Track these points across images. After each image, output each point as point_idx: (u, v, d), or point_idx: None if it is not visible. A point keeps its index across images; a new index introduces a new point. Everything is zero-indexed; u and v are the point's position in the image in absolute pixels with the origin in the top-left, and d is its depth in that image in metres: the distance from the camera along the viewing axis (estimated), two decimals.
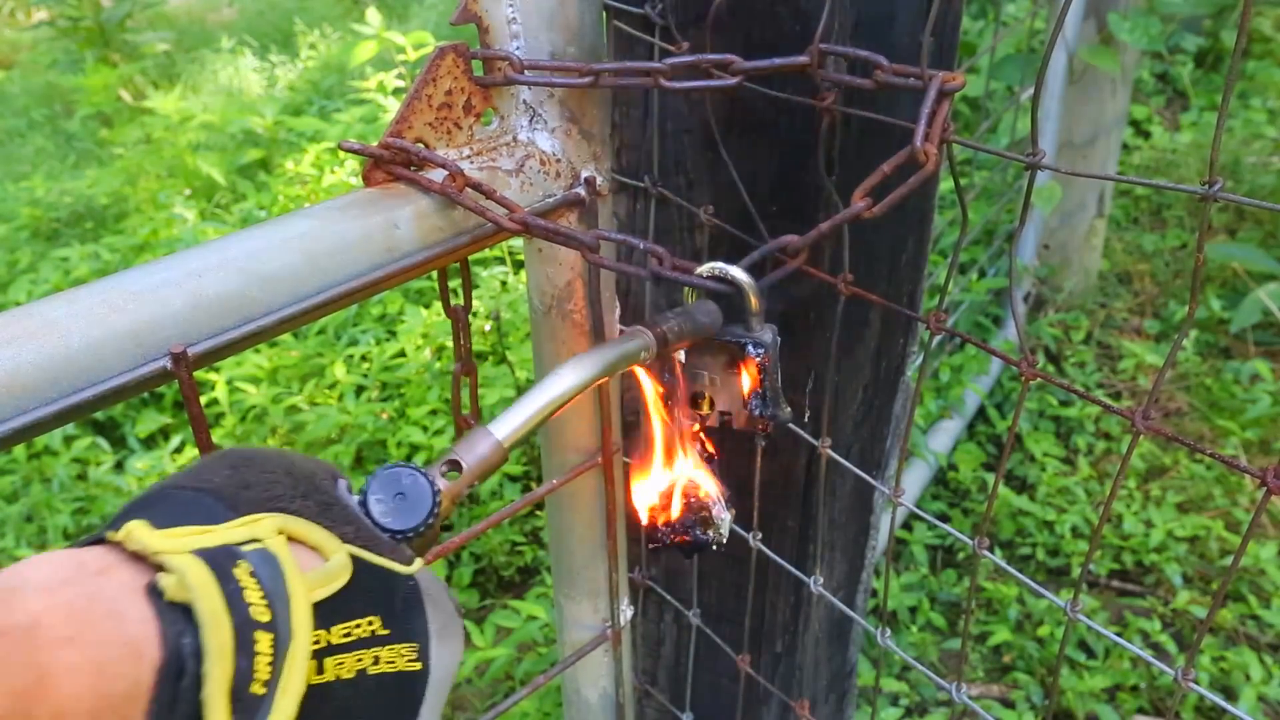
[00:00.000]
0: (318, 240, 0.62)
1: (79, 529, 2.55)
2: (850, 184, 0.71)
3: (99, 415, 2.81)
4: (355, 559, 0.46)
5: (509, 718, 1.90)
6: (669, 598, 1.22)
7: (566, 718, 1.17)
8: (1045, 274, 3.10)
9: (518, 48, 0.72)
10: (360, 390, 2.77)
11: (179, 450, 2.70)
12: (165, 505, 0.44)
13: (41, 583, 0.38)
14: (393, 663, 0.46)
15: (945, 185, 2.98)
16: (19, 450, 2.70)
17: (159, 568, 0.40)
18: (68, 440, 2.74)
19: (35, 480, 2.66)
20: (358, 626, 0.44)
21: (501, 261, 3.08)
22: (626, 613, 1.05)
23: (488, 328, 2.78)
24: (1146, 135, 3.84)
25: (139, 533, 0.41)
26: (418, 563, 0.50)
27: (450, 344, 2.80)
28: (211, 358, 0.58)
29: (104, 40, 5.33)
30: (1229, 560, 2.25)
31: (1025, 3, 3.43)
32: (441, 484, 0.55)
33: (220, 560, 0.41)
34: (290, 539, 0.44)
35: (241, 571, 0.41)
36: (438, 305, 2.97)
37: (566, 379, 0.63)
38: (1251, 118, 3.69)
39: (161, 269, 0.58)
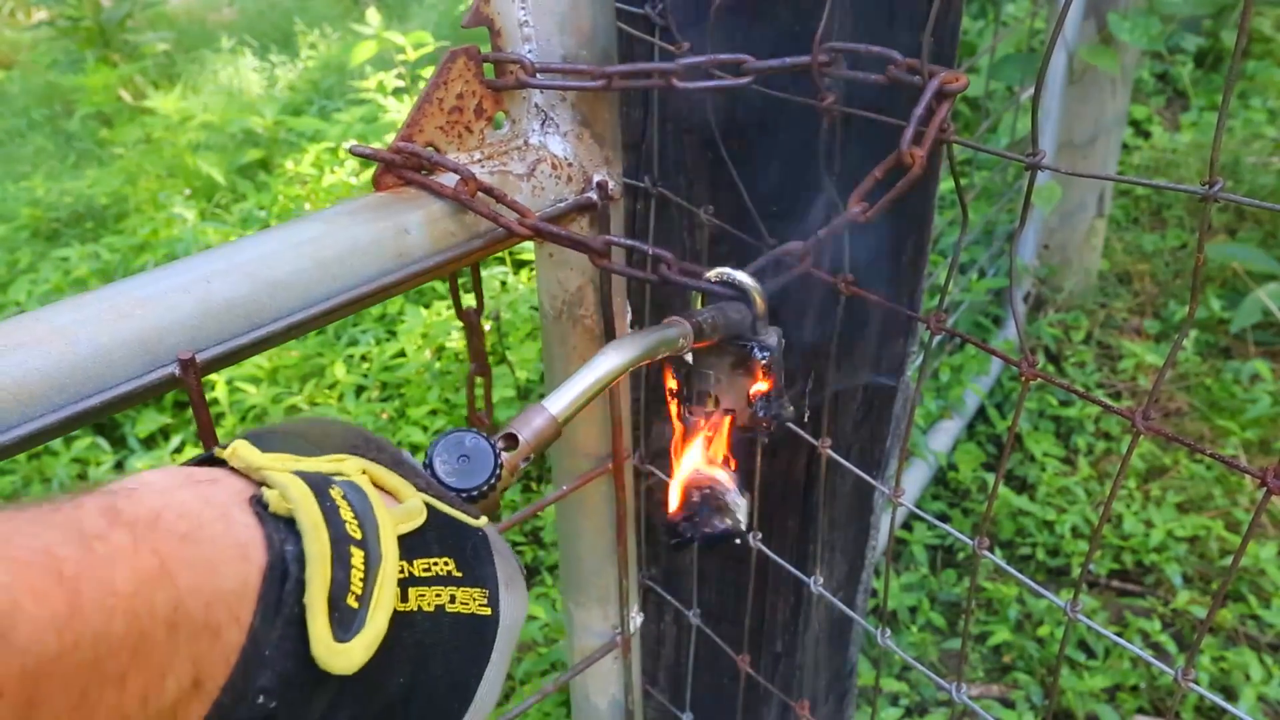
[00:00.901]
0: (328, 245, 0.62)
1: None
2: (851, 184, 0.72)
3: None
4: (429, 506, 0.48)
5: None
6: (669, 598, 1.22)
7: None
8: (1045, 274, 3.10)
9: (530, 51, 0.72)
10: (360, 390, 2.77)
11: (179, 450, 2.70)
12: (264, 438, 0.47)
13: (159, 485, 0.41)
14: (467, 605, 0.48)
15: (945, 185, 2.98)
16: None
17: (262, 483, 0.43)
18: (68, 440, 2.74)
19: (35, 480, 2.66)
20: (435, 564, 0.47)
21: (501, 262, 3.09)
22: (636, 619, 1.04)
23: (488, 328, 2.78)
24: (1146, 135, 3.84)
25: (244, 451, 0.44)
26: (484, 519, 0.52)
27: (450, 344, 2.81)
28: (220, 364, 0.58)
29: (104, 40, 5.32)
30: (1229, 560, 2.25)
31: (1025, 3, 3.43)
32: (501, 455, 0.57)
33: (317, 481, 0.44)
34: (372, 481, 0.47)
35: (336, 493, 0.44)
36: (438, 305, 2.97)
37: (612, 359, 0.66)
38: (1251, 118, 3.70)
39: (170, 275, 0.57)
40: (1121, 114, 2.94)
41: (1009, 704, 2.01)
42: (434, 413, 2.62)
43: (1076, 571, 2.26)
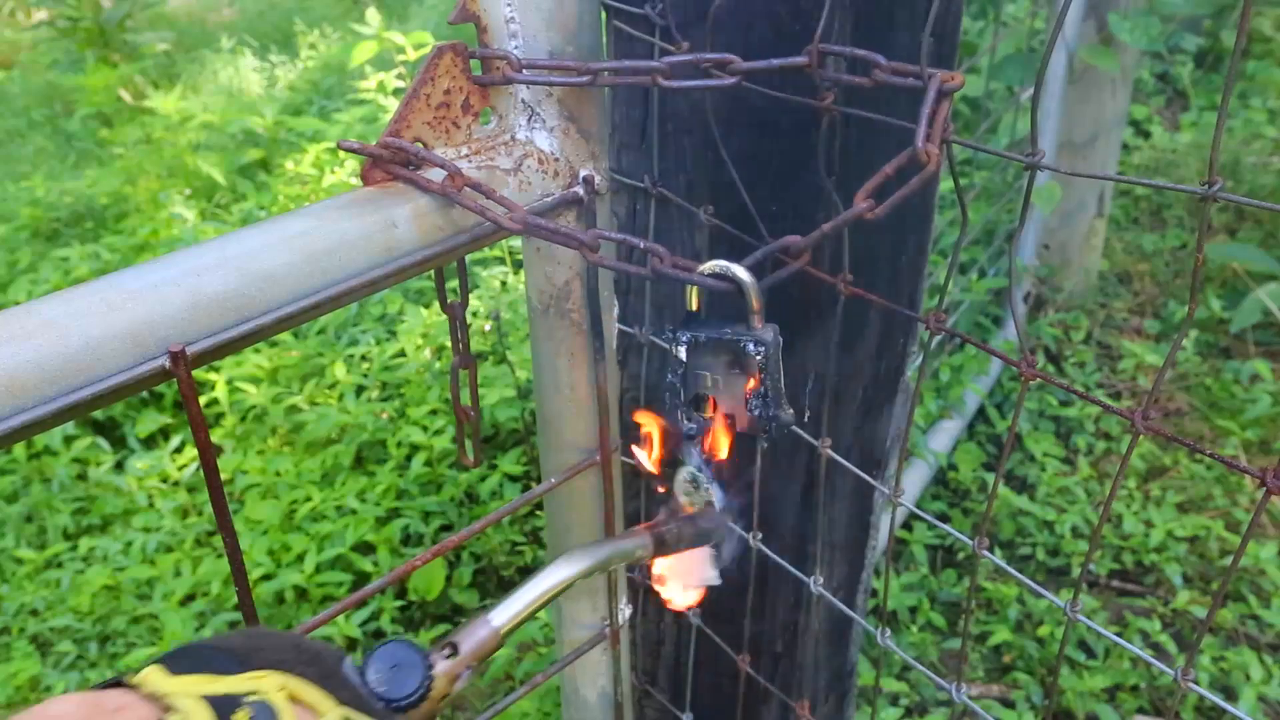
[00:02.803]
0: (316, 239, 0.62)
1: (79, 529, 2.55)
2: (850, 184, 0.71)
3: (99, 415, 2.81)
4: (347, 719, 0.51)
5: (508, 717, 1.90)
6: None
7: (565, 716, 1.17)
8: (1045, 274, 3.10)
9: (516, 47, 0.72)
10: (360, 390, 2.77)
11: (179, 450, 2.70)
12: (185, 656, 0.49)
13: (64, 718, 0.43)
14: None
15: (945, 185, 2.98)
16: (19, 450, 2.70)
17: (168, 709, 0.45)
18: (68, 440, 2.74)
19: (35, 480, 2.66)
20: None
21: (501, 261, 3.08)
22: (625, 612, 1.05)
23: (488, 328, 2.78)
24: (1146, 135, 3.84)
25: (153, 677, 0.46)
26: None
27: (450, 344, 2.80)
28: (210, 357, 0.58)
29: (104, 40, 5.32)
30: (1229, 560, 2.25)
31: (1025, 3, 3.43)
32: (440, 663, 0.61)
33: (223, 705, 0.46)
34: (291, 698, 0.49)
35: (241, 716, 0.46)
36: (438, 305, 2.97)
37: (562, 571, 0.70)
38: (1251, 118, 3.69)
39: (160, 268, 0.57)
40: (1121, 114, 2.94)
41: (1009, 704, 2.01)
42: (434, 412, 2.61)
43: (1076, 571, 2.25)
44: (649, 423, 0.82)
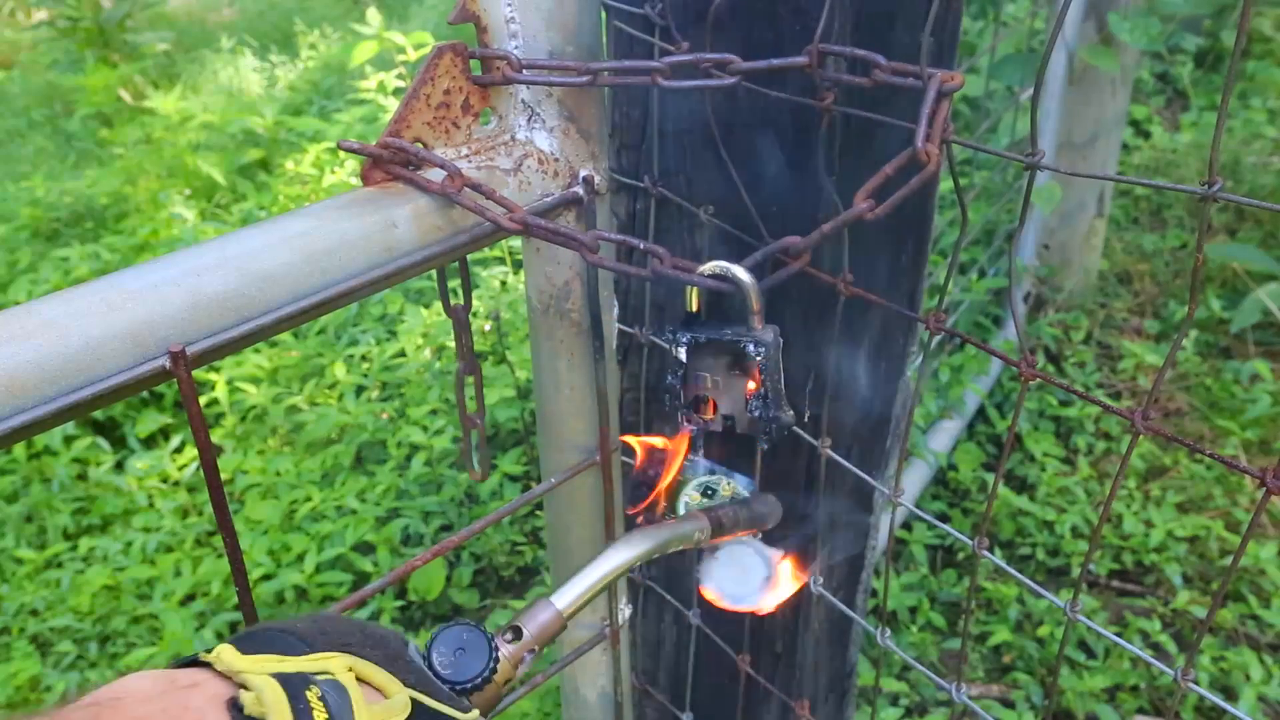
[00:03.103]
0: (316, 239, 0.62)
1: (79, 529, 2.55)
2: (850, 184, 0.71)
3: (99, 415, 2.81)
4: (414, 701, 0.51)
5: (508, 717, 1.90)
6: (669, 598, 1.22)
7: (565, 716, 1.17)
8: (1045, 274, 3.10)
9: (516, 47, 0.72)
10: (360, 390, 2.77)
11: (179, 450, 2.70)
12: (254, 638, 0.50)
13: (141, 693, 0.44)
14: None
15: (945, 185, 2.98)
16: (19, 450, 2.70)
17: (242, 686, 0.46)
18: (68, 440, 2.74)
19: (35, 480, 2.66)
20: None
21: (501, 261, 3.08)
22: (625, 611, 1.05)
23: (488, 328, 2.78)
24: (1146, 135, 3.84)
25: (226, 655, 0.47)
26: (475, 712, 0.55)
27: (450, 344, 2.80)
28: (210, 357, 0.58)
29: (104, 40, 5.32)
30: (1229, 560, 2.25)
31: (1025, 3, 3.43)
32: (505, 646, 0.61)
33: (294, 683, 0.47)
34: (359, 678, 0.50)
35: (312, 695, 0.47)
36: (438, 305, 2.97)
37: (623, 554, 0.69)
38: (1251, 118, 3.69)
39: (160, 268, 0.57)
40: (1121, 114, 2.94)
41: (1009, 704, 2.01)
42: (434, 413, 2.61)
43: (1076, 571, 2.25)
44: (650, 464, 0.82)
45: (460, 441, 2.51)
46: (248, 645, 0.49)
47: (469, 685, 0.56)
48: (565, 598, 0.66)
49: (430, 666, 0.56)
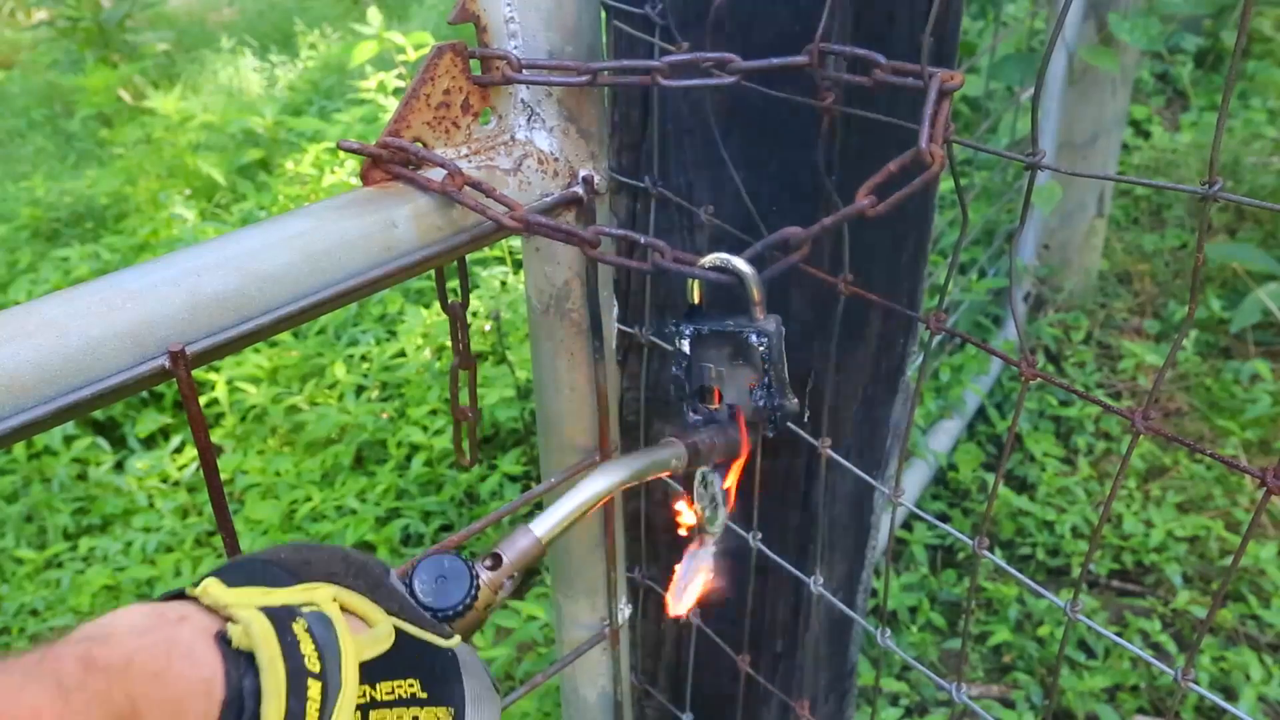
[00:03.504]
0: (316, 239, 0.62)
1: (79, 529, 2.55)
2: (850, 184, 0.71)
3: (99, 415, 2.81)
4: (398, 629, 0.51)
5: (509, 717, 1.90)
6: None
7: (565, 716, 1.17)
8: (1045, 274, 3.10)
9: (515, 47, 0.72)
10: (360, 390, 2.77)
11: (179, 450, 2.70)
12: (239, 570, 0.50)
13: (130, 627, 0.44)
14: None
15: (945, 185, 2.98)
16: (19, 450, 2.70)
17: (229, 619, 0.46)
18: (68, 440, 2.74)
19: (35, 480, 2.66)
20: (399, 686, 0.50)
21: (501, 261, 3.08)
22: (624, 611, 1.05)
23: (488, 328, 2.78)
24: (1146, 135, 3.84)
25: (213, 589, 0.48)
26: (456, 639, 0.56)
27: (450, 344, 2.80)
28: (210, 356, 0.58)
29: (104, 40, 5.32)
30: (1229, 560, 2.25)
31: (1025, 3, 3.43)
32: (485, 573, 0.61)
33: (281, 616, 0.47)
34: (343, 608, 0.50)
35: (299, 627, 0.47)
36: (438, 305, 2.97)
37: (599, 482, 0.69)
38: (1251, 118, 3.69)
39: (159, 268, 0.57)
40: (1121, 114, 2.94)
41: (1009, 704, 2.01)
42: (434, 413, 2.61)
43: (1076, 571, 2.25)
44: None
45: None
46: (234, 577, 0.49)
47: (451, 612, 0.57)
48: (544, 525, 0.66)
49: (412, 594, 0.56)
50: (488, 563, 0.62)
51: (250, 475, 2.54)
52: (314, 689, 0.45)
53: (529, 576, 2.35)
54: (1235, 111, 3.74)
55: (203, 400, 2.76)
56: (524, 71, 0.71)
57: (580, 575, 1.00)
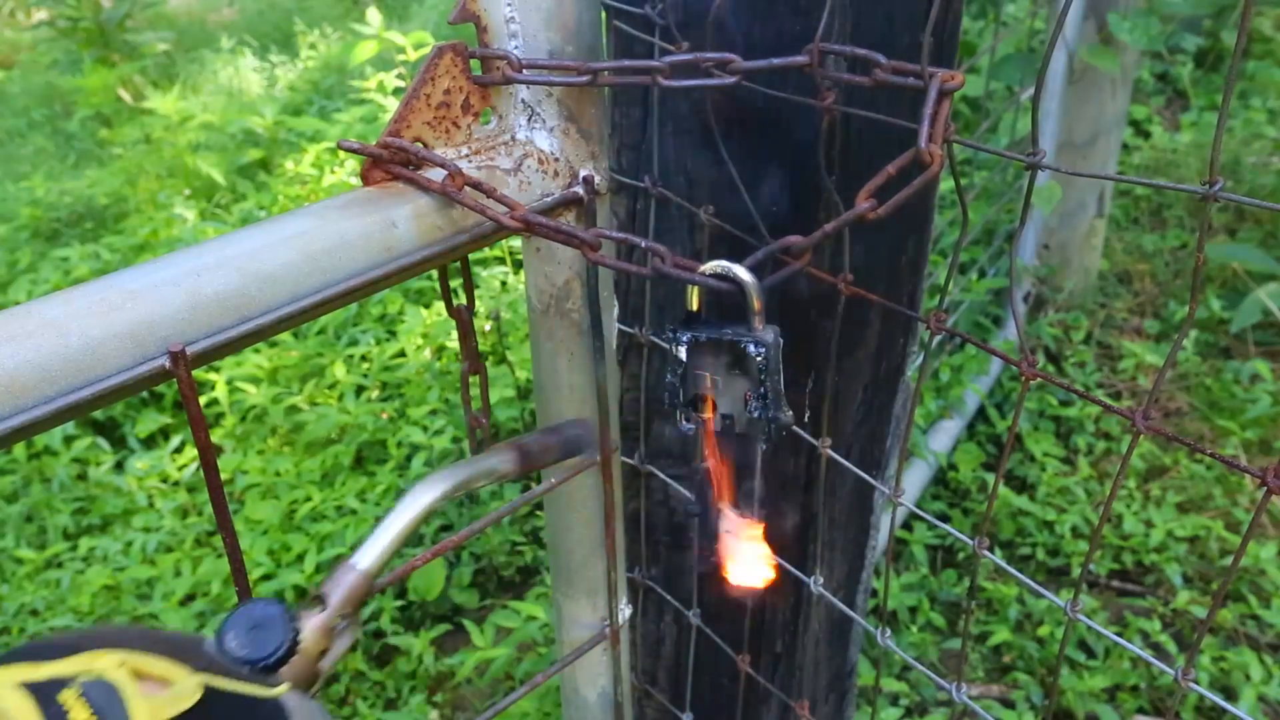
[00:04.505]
0: (316, 239, 0.62)
1: (79, 529, 2.55)
2: (850, 184, 0.71)
3: (99, 415, 2.81)
4: (209, 686, 0.47)
5: (508, 717, 1.90)
6: (669, 598, 1.22)
7: (565, 716, 1.16)
8: (1045, 274, 3.10)
9: (516, 47, 0.72)
10: (360, 390, 2.77)
11: (179, 450, 2.70)
12: (16, 651, 0.47)
13: None
14: None
15: (945, 185, 2.98)
16: (19, 450, 2.70)
17: None
18: (68, 440, 2.74)
19: (35, 480, 2.66)
20: None
21: (502, 261, 3.08)
22: (625, 612, 1.05)
23: (488, 328, 2.78)
24: (1146, 135, 3.84)
25: None
26: (284, 687, 0.52)
27: (450, 344, 2.80)
28: (210, 356, 0.58)
29: (104, 40, 5.32)
30: (1229, 560, 2.25)
31: (1025, 3, 3.43)
32: (311, 618, 0.59)
33: (45, 689, 0.43)
34: (137, 674, 0.46)
35: (68, 695, 0.43)
36: (438, 305, 2.97)
37: (421, 499, 0.67)
38: (1251, 118, 3.69)
39: (160, 268, 0.57)
40: (1121, 114, 2.94)
41: (1009, 704, 2.01)
42: (434, 413, 2.61)
43: (1076, 571, 2.25)
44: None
45: (458, 442, 2.51)
46: (4, 659, 0.45)
47: (271, 660, 0.54)
48: (367, 556, 0.64)
49: (224, 650, 0.54)
50: (316, 607, 0.60)
51: (250, 475, 2.54)
52: None
53: (530, 576, 2.35)
54: (1235, 111, 3.74)
55: (203, 400, 2.76)
56: (524, 71, 0.71)
57: (580, 575, 1.00)
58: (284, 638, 0.54)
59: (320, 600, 0.61)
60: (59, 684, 0.44)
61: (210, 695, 0.47)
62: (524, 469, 0.73)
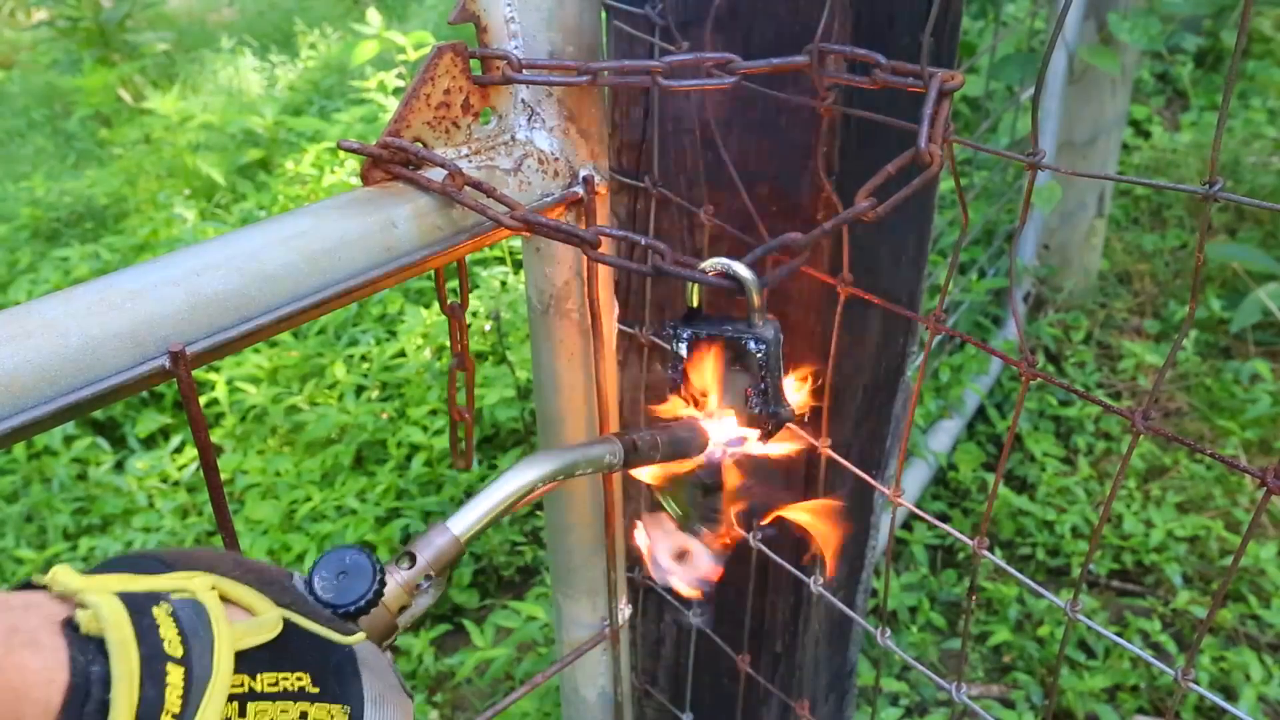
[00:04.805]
0: (316, 239, 0.62)
1: (79, 529, 2.55)
2: (850, 184, 0.71)
3: (99, 415, 2.81)
4: (288, 621, 0.48)
5: (508, 716, 1.90)
6: (669, 598, 1.22)
7: (565, 716, 1.16)
8: (1045, 274, 3.10)
9: (516, 47, 0.72)
10: (360, 390, 2.77)
11: (179, 450, 2.70)
12: (110, 564, 0.47)
13: None
14: None
15: (945, 185, 2.98)
16: (19, 450, 2.70)
17: (80, 605, 0.43)
18: (68, 440, 2.74)
19: (35, 480, 2.66)
20: (285, 679, 0.47)
21: (501, 261, 3.08)
22: (625, 612, 1.05)
23: (488, 328, 2.78)
24: (1146, 135, 3.84)
25: (61, 575, 0.44)
26: (359, 636, 0.52)
27: (450, 344, 2.80)
28: (210, 356, 0.58)
29: (104, 40, 5.32)
30: (1229, 560, 2.25)
31: (1025, 3, 3.43)
32: (397, 573, 0.60)
33: (139, 600, 0.44)
34: (225, 598, 0.47)
35: (160, 611, 0.44)
36: (438, 305, 2.97)
37: (524, 476, 0.68)
38: (1251, 118, 3.69)
39: (160, 268, 0.57)
40: (1121, 114, 2.94)
41: (1009, 704, 2.01)
42: (434, 413, 2.61)
43: (1076, 571, 2.25)
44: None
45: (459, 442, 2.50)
46: (99, 569, 0.46)
47: (352, 608, 0.54)
48: (462, 522, 0.65)
49: (311, 591, 0.54)
50: (404, 563, 0.61)
51: (250, 475, 2.54)
52: (174, 674, 0.42)
53: (530, 576, 2.35)
54: (1235, 111, 3.74)
55: (203, 400, 2.76)
56: (524, 71, 0.71)
57: (580, 575, 1.00)
58: (368, 588, 0.55)
59: (410, 557, 0.61)
60: (154, 598, 0.44)
61: (289, 631, 0.48)
62: (630, 462, 0.72)
